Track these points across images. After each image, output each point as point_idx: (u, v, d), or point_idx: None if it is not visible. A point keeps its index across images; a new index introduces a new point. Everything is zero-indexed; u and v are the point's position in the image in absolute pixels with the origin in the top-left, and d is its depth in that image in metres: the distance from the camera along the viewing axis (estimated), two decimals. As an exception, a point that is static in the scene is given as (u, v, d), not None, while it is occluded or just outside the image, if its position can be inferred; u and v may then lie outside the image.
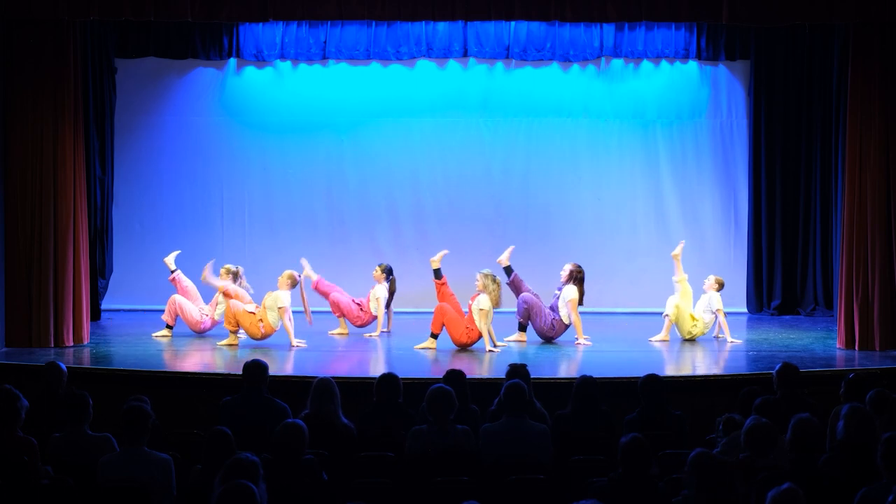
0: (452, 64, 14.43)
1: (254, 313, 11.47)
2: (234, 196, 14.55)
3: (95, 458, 6.50)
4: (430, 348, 11.33)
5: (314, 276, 12.52)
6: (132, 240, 14.33)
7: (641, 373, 8.08)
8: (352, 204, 14.53)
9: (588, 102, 14.52)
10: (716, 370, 10.85)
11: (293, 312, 11.53)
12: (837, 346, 11.50)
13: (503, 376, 7.85)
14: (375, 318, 12.29)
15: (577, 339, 11.62)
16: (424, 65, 14.42)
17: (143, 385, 9.31)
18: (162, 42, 14.18)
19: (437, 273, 11.75)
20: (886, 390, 7.17)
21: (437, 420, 7.02)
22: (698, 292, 12.03)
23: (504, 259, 11.99)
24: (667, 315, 11.83)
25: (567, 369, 10.70)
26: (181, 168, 14.54)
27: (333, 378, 7.57)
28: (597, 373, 8.33)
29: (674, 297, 11.91)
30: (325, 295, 12.48)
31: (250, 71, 14.50)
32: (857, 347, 11.26)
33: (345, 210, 14.52)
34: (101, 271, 13.74)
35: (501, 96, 14.51)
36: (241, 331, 11.56)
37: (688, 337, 11.89)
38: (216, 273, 11.96)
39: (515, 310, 11.89)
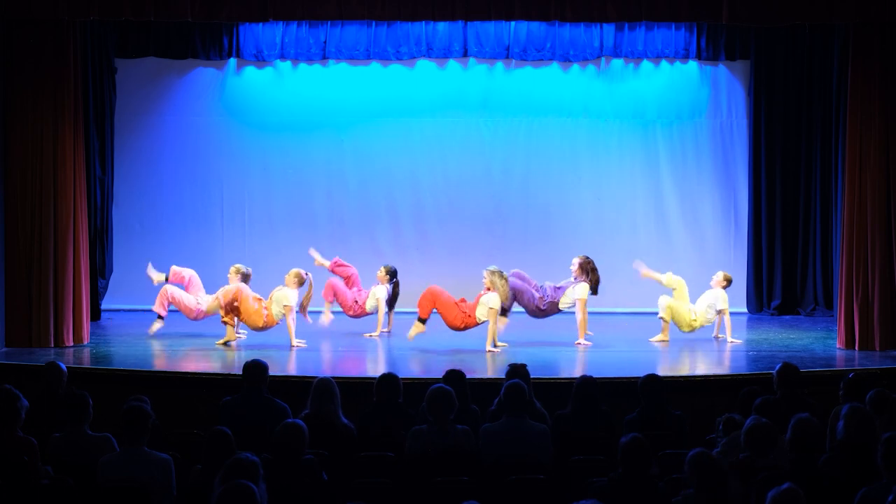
0: (452, 64, 14.43)
1: (260, 299, 11.45)
2: (234, 196, 14.55)
3: (95, 458, 6.49)
4: (419, 331, 11.25)
5: (327, 263, 12.57)
6: (132, 240, 14.32)
7: (641, 373, 8.08)
8: (352, 204, 14.53)
9: (588, 102, 14.52)
10: (716, 370, 10.84)
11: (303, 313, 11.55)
12: (837, 346, 11.50)
13: (503, 376, 7.86)
14: (367, 313, 12.29)
15: (577, 339, 11.62)
16: (424, 65, 14.42)
17: (143, 385, 9.31)
18: (162, 42, 14.18)
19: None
20: (886, 390, 7.17)
21: (437, 420, 7.02)
22: (700, 288, 12.02)
23: None
24: (661, 318, 11.84)
25: (567, 369, 10.71)
26: (181, 168, 14.54)
27: (333, 378, 7.58)
28: (597, 373, 8.34)
29: (665, 297, 11.92)
30: (339, 274, 12.50)
31: (250, 71, 14.50)
32: (857, 347, 11.26)
33: (345, 210, 14.52)
34: (101, 271, 13.74)
35: (501, 96, 14.51)
36: (239, 326, 11.52)
37: (688, 330, 11.88)
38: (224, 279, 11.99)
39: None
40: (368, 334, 12.25)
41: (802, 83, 14.21)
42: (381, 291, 12.28)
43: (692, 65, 14.47)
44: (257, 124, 14.54)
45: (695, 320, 11.87)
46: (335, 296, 12.38)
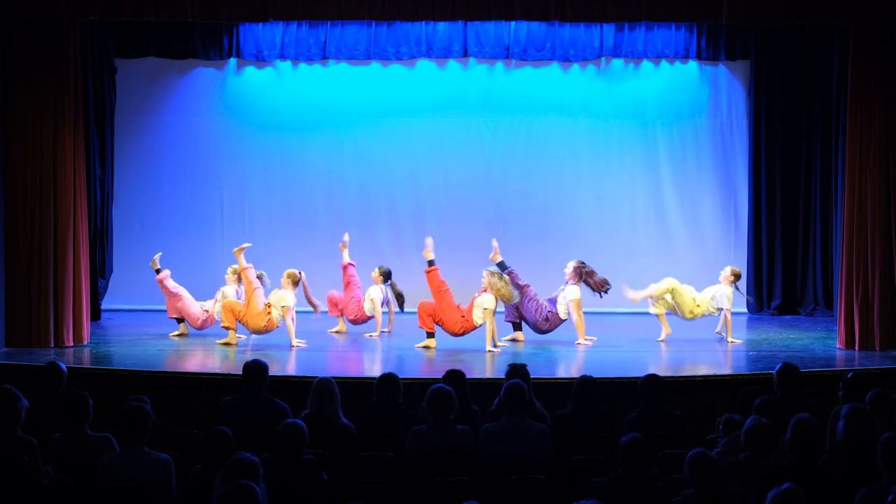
0: (452, 64, 14.43)
1: (269, 303, 11.46)
2: (234, 196, 14.55)
3: (95, 458, 6.50)
4: (430, 347, 11.34)
5: (346, 258, 12.60)
6: (132, 240, 14.32)
7: (641, 373, 8.09)
8: (352, 204, 14.53)
9: (588, 102, 14.52)
10: (716, 370, 10.83)
11: (296, 312, 11.54)
12: (837, 346, 11.50)
13: (503, 376, 7.85)
14: (368, 316, 12.30)
15: (577, 339, 11.62)
16: (424, 65, 14.42)
17: (143, 385, 9.31)
18: (162, 42, 14.18)
19: (431, 262, 11.71)
20: (886, 390, 7.17)
21: (437, 420, 7.02)
22: (702, 285, 12.03)
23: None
24: (655, 314, 11.87)
25: (567, 369, 10.71)
26: (181, 168, 14.54)
27: (333, 378, 7.58)
28: (597, 373, 8.33)
29: (669, 278, 11.94)
30: (345, 278, 12.50)
31: (250, 71, 14.50)
32: (857, 347, 11.26)
33: (345, 210, 14.51)
34: (101, 271, 13.74)
35: (501, 96, 14.51)
36: (240, 329, 11.54)
37: (690, 317, 11.88)
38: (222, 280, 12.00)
39: (505, 312, 11.91)
40: (368, 334, 12.27)
41: (802, 83, 14.20)
42: (375, 292, 12.29)
43: (692, 65, 14.47)
44: (257, 124, 14.54)
45: (698, 306, 11.87)
46: (337, 307, 12.43)
